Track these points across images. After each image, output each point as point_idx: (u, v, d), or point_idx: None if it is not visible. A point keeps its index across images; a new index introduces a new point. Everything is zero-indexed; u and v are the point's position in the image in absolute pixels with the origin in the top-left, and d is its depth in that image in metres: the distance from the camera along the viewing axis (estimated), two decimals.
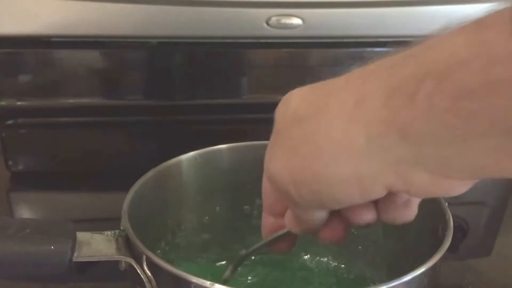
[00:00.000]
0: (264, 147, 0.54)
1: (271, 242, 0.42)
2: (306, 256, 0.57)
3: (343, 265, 0.55)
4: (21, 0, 0.68)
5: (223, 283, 0.37)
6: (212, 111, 0.78)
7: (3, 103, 0.73)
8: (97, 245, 0.40)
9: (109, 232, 0.41)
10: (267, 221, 0.42)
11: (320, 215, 0.36)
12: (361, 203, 0.33)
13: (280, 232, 0.41)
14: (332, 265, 0.56)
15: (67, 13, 0.69)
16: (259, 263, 0.55)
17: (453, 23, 0.27)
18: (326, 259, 0.56)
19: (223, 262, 0.55)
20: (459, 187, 0.30)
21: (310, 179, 0.32)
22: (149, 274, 0.39)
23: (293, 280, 0.54)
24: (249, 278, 0.54)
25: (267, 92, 0.77)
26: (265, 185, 0.40)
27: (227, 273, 0.47)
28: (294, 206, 0.36)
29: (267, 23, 0.72)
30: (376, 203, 0.35)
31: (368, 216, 0.35)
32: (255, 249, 0.45)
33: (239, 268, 0.48)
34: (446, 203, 0.45)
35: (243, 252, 0.47)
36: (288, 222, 0.39)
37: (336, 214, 0.36)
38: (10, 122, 0.75)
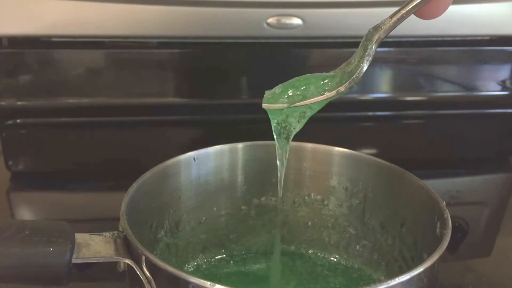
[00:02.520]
0: (263, 147, 0.54)
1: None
2: (309, 253, 0.57)
3: (343, 264, 0.55)
4: (21, 0, 0.68)
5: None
6: (211, 111, 0.78)
7: (3, 103, 0.73)
8: (96, 247, 0.40)
9: (107, 233, 0.41)
10: None
11: None
12: None
13: None
14: (333, 264, 0.56)
15: (67, 13, 0.69)
16: (262, 259, 0.56)
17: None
18: (327, 257, 0.56)
19: (221, 262, 0.55)
20: None
21: None
22: (149, 275, 0.39)
23: (295, 277, 0.54)
24: (252, 274, 0.54)
25: None
26: None
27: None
28: None
29: (267, 23, 0.72)
30: None
31: None
32: (402, 14, 0.39)
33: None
34: (444, 202, 0.45)
35: (384, 24, 0.40)
36: None
37: None
38: (10, 122, 0.75)
